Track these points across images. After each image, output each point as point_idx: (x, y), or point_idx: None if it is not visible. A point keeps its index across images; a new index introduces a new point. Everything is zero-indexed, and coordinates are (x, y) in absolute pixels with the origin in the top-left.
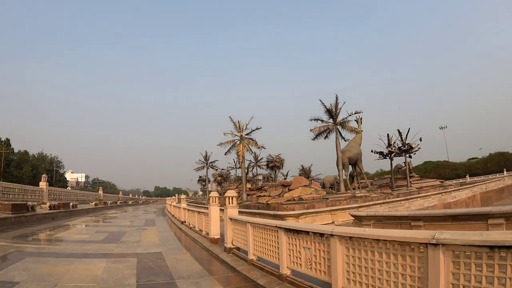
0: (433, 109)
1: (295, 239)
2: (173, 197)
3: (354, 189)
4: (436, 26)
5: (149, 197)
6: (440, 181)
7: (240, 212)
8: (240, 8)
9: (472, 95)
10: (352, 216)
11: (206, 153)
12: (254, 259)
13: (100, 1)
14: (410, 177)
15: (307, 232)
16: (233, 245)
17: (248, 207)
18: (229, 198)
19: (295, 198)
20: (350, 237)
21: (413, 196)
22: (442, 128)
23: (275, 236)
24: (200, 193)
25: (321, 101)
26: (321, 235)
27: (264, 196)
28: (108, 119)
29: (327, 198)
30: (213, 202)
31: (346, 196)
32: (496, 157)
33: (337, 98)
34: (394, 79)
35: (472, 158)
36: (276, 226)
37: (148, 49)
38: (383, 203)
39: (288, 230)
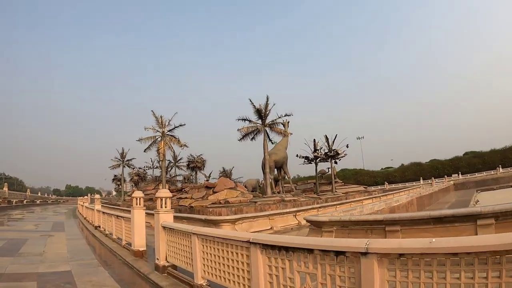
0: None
1: (282, 260)
2: (86, 196)
3: (279, 192)
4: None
5: (59, 197)
6: (364, 187)
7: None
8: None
9: (386, 107)
10: (309, 221)
11: (123, 150)
12: (204, 284)
13: None
14: (335, 182)
15: (310, 251)
16: (168, 262)
17: None
18: (161, 199)
19: (220, 201)
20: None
21: (360, 198)
22: (359, 138)
23: (243, 256)
24: (114, 193)
25: (250, 100)
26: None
27: (186, 198)
28: (20, 111)
29: (255, 202)
30: (137, 204)
31: (275, 200)
32: (413, 166)
33: (267, 98)
34: (319, 86)
35: (388, 167)
36: (248, 242)
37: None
38: (320, 207)
39: (269, 247)
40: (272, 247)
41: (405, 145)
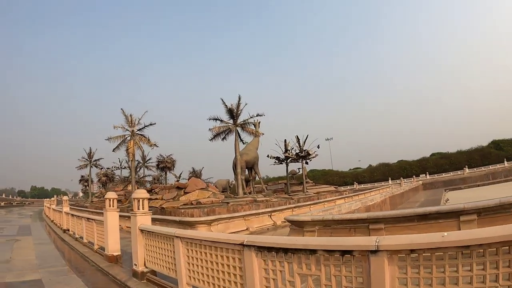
0: (320, 121)
1: (281, 263)
2: (52, 198)
3: (250, 193)
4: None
5: (25, 198)
6: (335, 187)
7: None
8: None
9: (353, 110)
10: (290, 221)
11: (90, 150)
12: None
13: None
14: (306, 182)
15: (313, 251)
16: (147, 267)
17: None
18: (138, 201)
19: (192, 202)
20: None
21: (336, 198)
22: (327, 139)
23: (234, 259)
24: (81, 194)
25: (222, 100)
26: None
27: (156, 199)
28: None
29: (228, 203)
30: (110, 206)
31: (248, 200)
32: (381, 167)
33: (239, 98)
34: (288, 88)
35: (356, 168)
36: (241, 244)
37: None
38: (295, 207)
39: (265, 249)
40: (269, 249)
41: (372, 146)
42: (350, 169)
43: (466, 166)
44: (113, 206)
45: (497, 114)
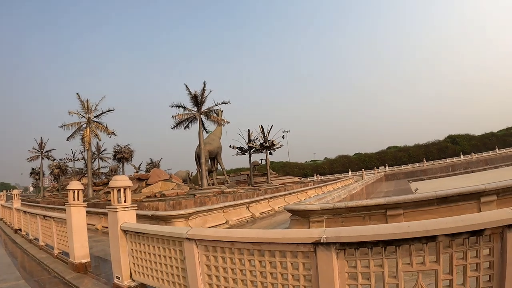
0: (278, 114)
1: (377, 261)
2: (1, 193)
3: (213, 184)
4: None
5: None
6: (299, 178)
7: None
8: None
9: (309, 103)
10: (292, 211)
11: (42, 140)
12: None
13: None
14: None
15: (430, 238)
16: (134, 281)
17: (98, 206)
18: (118, 191)
19: (156, 194)
20: None
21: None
22: (285, 131)
23: (298, 265)
24: (32, 189)
25: (186, 86)
26: None
27: (107, 192)
28: None
29: (194, 194)
30: (75, 199)
31: (215, 192)
32: (341, 159)
33: (204, 84)
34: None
35: (315, 160)
36: (315, 243)
37: None
38: (271, 197)
39: (352, 246)
40: (360, 244)
41: (327, 140)
42: (306, 161)
43: (424, 159)
44: (78, 200)
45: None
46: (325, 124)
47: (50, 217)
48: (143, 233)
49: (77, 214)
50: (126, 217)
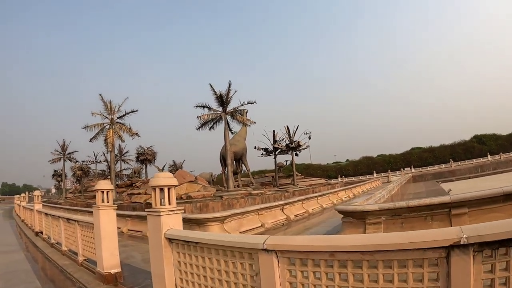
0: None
1: None
2: (23, 194)
3: (238, 186)
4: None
5: None
6: (325, 180)
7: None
8: None
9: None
10: (345, 212)
11: (64, 142)
12: None
13: None
14: (293, 175)
15: None
16: None
17: (122, 208)
18: (161, 190)
19: (182, 196)
20: None
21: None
22: (306, 133)
23: None
24: (54, 191)
25: (211, 85)
26: None
27: (139, 194)
28: None
29: (221, 196)
30: (103, 201)
31: (243, 194)
32: (365, 160)
33: (229, 84)
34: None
35: (337, 162)
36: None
37: None
38: (305, 199)
39: None
40: (500, 243)
41: (346, 140)
42: (328, 163)
43: (451, 159)
44: (108, 201)
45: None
46: (344, 125)
47: (75, 220)
48: (196, 243)
49: (107, 218)
50: (171, 222)
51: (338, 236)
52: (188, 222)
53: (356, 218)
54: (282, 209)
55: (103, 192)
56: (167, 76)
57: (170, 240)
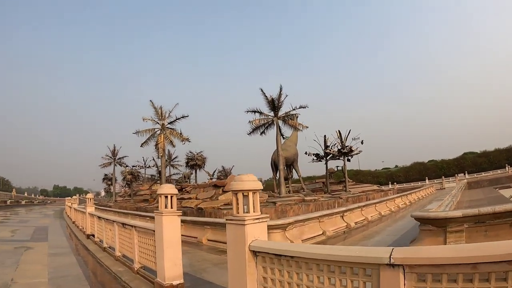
0: (344, 120)
1: None
2: (74, 197)
3: (289, 192)
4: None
5: (47, 197)
6: (378, 186)
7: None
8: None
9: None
10: (424, 219)
11: (114, 147)
12: None
13: None
14: (344, 181)
15: None
16: None
17: None
18: (244, 195)
19: None
20: None
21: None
22: (354, 139)
23: None
24: (103, 194)
25: (261, 90)
26: None
27: (190, 199)
28: (10, 111)
29: (274, 202)
30: (167, 206)
31: (296, 200)
32: (416, 166)
33: (281, 88)
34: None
35: (386, 168)
36: None
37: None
38: (364, 205)
39: None
40: None
41: (394, 146)
42: (377, 169)
43: (507, 164)
44: (172, 207)
45: None
46: (392, 130)
47: (131, 226)
48: (292, 257)
49: (170, 225)
50: (257, 232)
51: (482, 245)
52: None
53: (436, 226)
54: (342, 216)
55: (166, 197)
56: (216, 81)
57: (255, 253)
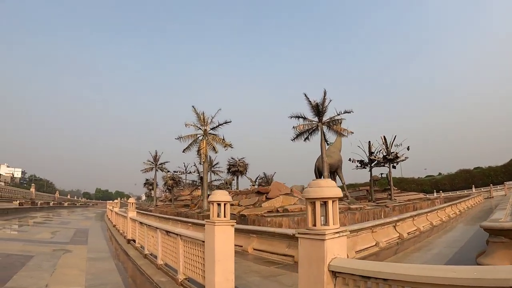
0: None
1: None
2: (115, 200)
3: None
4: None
5: (89, 200)
6: (424, 195)
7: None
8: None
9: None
10: (493, 229)
11: (156, 153)
12: None
13: None
14: (389, 189)
15: None
16: None
17: None
18: (322, 204)
19: (278, 209)
20: None
21: None
22: (396, 145)
23: None
24: (144, 198)
25: (305, 95)
26: None
27: (232, 205)
28: (55, 116)
29: None
30: (219, 215)
31: (342, 208)
32: (462, 174)
33: (325, 93)
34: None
35: (429, 176)
36: None
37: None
38: (416, 215)
39: None
40: None
41: (436, 153)
42: (420, 177)
43: None
44: (225, 216)
45: None
46: (434, 136)
47: (177, 234)
48: (385, 279)
49: (223, 236)
50: (336, 248)
51: None
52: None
53: (509, 238)
54: (394, 226)
55: (219, 205)
56: (257, 87)
57: (334, 273)
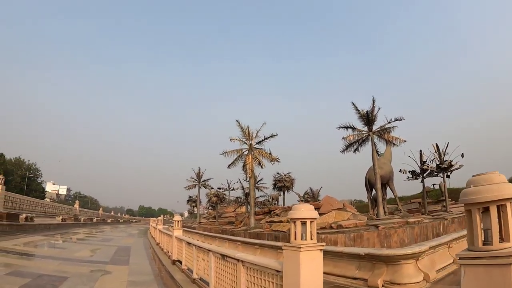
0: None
1: None
2: (159, 217)
3: (385, 213)
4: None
5: (132, 216)
6: None
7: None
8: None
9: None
10: None
11: (199, 170)
12: None
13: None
14: (443, 200)
15: None
16: None
17: (261, 237)
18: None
19: (332, 226)
20: None
21: None
22: (447, 154)
23: None
24: (187, 215)
25: (353, 104)
26: None
27: (280, 222)
28: (100, 134)
29: (376, 225)
30: (303, 238)
31: (400, 222)
32: None
33: (373, 101)
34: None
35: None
36: None
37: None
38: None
39: None
40: None
41: (488, 160)
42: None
43: None
44: (311, 239)
45: None
46: (483, 142)
47: (237, 259)
48: None
49: (311, 265)
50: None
51: None
52: (371, 259)
53: None
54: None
55: (304, 224)
56: (302, 100)
57: None
